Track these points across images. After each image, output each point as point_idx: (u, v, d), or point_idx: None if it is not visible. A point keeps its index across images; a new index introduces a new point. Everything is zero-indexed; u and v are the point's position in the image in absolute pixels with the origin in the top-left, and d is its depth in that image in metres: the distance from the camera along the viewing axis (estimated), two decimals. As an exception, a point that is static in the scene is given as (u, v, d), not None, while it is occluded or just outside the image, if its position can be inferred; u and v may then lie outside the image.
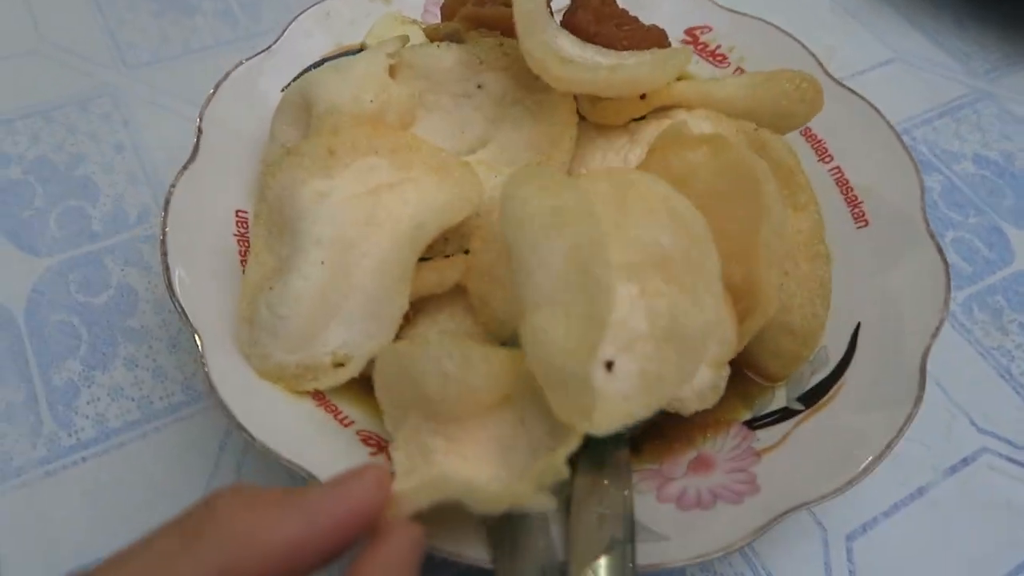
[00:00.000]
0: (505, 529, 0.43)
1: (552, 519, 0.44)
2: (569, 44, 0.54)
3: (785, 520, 0.43)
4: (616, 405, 0.39)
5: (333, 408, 0.49)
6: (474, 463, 0.41)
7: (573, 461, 0.40)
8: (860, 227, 0.58)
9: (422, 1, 0.69)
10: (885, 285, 0.54)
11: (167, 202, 0.51)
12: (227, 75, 0.58)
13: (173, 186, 0.52)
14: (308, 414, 0.48)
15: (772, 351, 0.52)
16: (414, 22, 0.66)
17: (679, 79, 0.55)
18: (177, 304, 0.47)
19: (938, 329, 0.51)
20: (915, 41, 0.86)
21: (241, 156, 0.57)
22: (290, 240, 0.49)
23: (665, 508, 0.47)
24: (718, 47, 0.69)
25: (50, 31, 0.78)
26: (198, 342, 0.46)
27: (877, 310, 0.54)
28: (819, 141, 0.62)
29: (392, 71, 0.54)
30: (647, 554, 0.43)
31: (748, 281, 0.47)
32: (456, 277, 0.50)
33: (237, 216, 0.55)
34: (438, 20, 0.67)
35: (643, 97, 0.53)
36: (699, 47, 0.69)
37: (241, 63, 0.59)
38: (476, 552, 0.42)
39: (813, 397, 0.52)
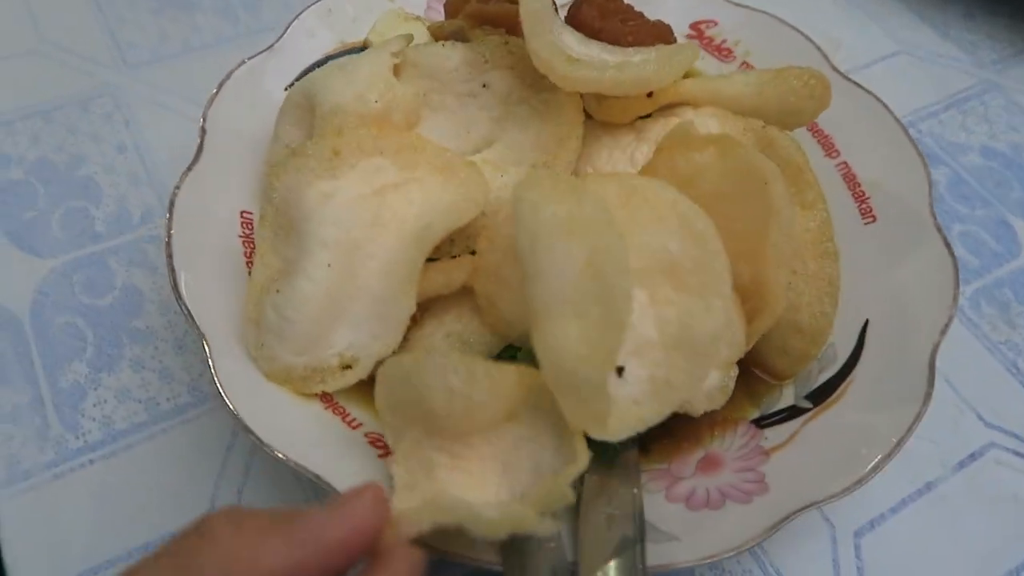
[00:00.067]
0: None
1: (561, 519, 0.44)
2: (574, 41, 0.53)
3: (794, 519, 0.43)
4: (627, 410, 0.39)
5: (341, 410, 0.49)
6: (477, 479, 0.40)
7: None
8: (867, 223, 0.58)
9: (425, -3, 0.69)
10: (893, 282, 0.54)
11: (172, 204, 0.51)
12: (229, 75, 0.58)
13: (177, 188, 0.52)
14: (316, 416, 0.48)
15: (780, 349, 0.51)
16: (417, 19, 0.65)
17: (685, 76, 0.54)
18: (184, 307, 0.47)
19: (947, 326, 0.50)
20: (921, 32, 0.85)
21: (245, 157, 0.57)
22: (296, 242, 0.49)
23: (674, 508, 0.47)
24: (723, 41, 0.68)
25: (50, 31, 0.77)
26: (206, 347, 0.46)
27: (885, 307, 0.53)
28: (826, 136, 0.62)
29: (396, 70, 0.54)
30: (657, 554, 0.43)
31: (756, 281, 0.47)
32: (463, 278, 0.50)
33: (242, 217, 0.55)
34: (441, 16, 0.66)
35: (650, 95, 0.52)
36: (704, 41, 0.68)
37: (243, 62, 0.59)
38: (485, 553, 0.42)
39: (821, 395, 0.52)
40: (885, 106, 0.60)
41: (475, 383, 0.39)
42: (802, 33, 0.66)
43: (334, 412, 0.49)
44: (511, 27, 0.57)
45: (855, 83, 0.62)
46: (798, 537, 0.52)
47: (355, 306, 0.48)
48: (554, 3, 0.53)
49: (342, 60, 0.55)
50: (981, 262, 0.68)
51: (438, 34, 0.59)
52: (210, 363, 0.45)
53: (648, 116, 0.55)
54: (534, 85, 0.53)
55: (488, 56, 0.53)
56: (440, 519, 0.37)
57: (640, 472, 0.47)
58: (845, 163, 0.60)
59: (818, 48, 0.65)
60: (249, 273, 0.52)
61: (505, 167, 0.52)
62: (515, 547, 0.42)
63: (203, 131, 0.54)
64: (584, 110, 0.54)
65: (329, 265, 0.47)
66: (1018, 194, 0.73)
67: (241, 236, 0.54)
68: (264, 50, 0.60)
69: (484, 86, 0.54)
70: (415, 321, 0.49)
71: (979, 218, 0.71)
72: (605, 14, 0.58)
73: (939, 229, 0.54)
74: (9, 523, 0.50)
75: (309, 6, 0.64)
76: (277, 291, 0.47)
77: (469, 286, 0.50)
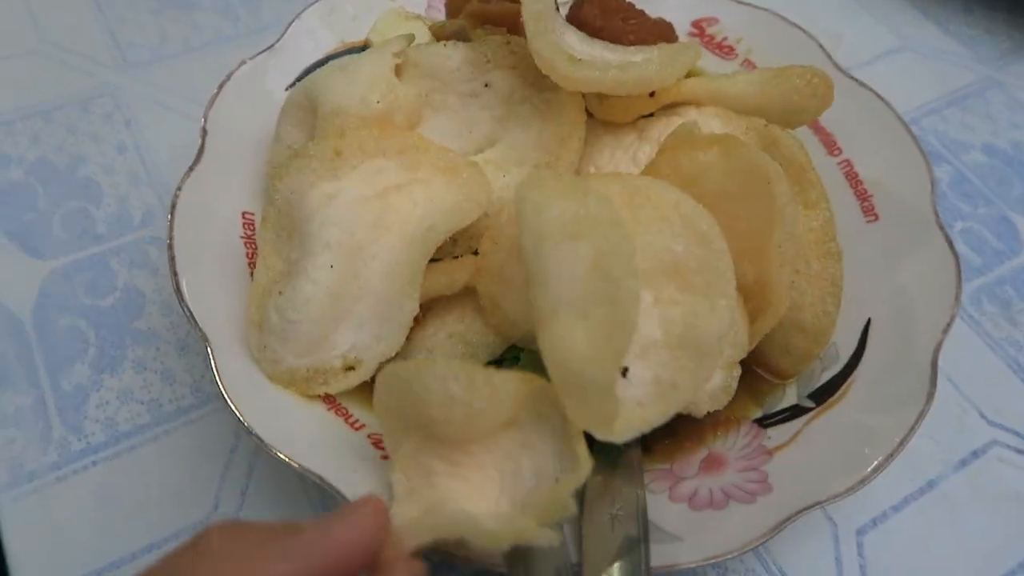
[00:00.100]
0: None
1: (564, 523, 0.44)
2: (576, 40, 0.53)
3: (797, 519, 0.44)
4: (632, 412, 0.39)
5: (344, 412, 0.49)
6: (476, 486, 0.40)
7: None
8: (870, 221, 0.58)
9: (425, -4, 0.69)
10: (896, 281, 0.54)
11: (173, 206, 0.51)
12: (230, 75, 0.58)
13: (179, 189, 0.52)
14: (319, 418, 0.48)
15: (783, 348, 0.52)
16: (418, 17, 0.65)
17: (688, 74, 0.54)
18: (186, 309, 0.47)
19: (949, 325, 0.50)
20: (923, 28, 0.85)
21: (246, 157, 0.56)
22: (298, 243, 0.49)
23: (677, 508, 0.47)
24: (725, 39, 0.68)
25: (50, 30, 0.77)
26: (209, 353, 0.46)
27: (888, 306, 0.53)
28: (828, 134, 0.62)
29: (398, 71, 0.54)
30: (661, 555, 0.43)
31: (759, 281, 0.47)
32: (465, 278, 0.50)
33: (244, 218, 0.55)
34: (442, 16, 0.66)
35: (652, 94, 0.52)
36: (706, 39, 0.68)
37: (244, 62, 0.59)
38: (490, 555, 0.42)
39: (824, 394, 0.52)
40: (887, 104, 0.60)
41: (475, 390, 0.38)
42: (804, 30, 0.66)
43: (337, 413, 0.49)
44: (512, 26, 0.57)
45: (857, 81, 0.62)
46: (801, 535, 0.53)
47: (358, 307, 0.48)
48: (556, 2, 0.53)
49: (343, 60, 0.54)
50: (983, 259, 0.68)
51: (439, 34, 0.59)
52: (213, 366, 0.45)
53: (650, 115, 0.55)
54: (536, 84, 0.53)
55: (490, 56, 0.53)
56: (441, 533, 0.37)
57: (643, 472, 0.47)
58: (847, 161, 0.60)
59: (820, 45, 0.65)
60: (251, 274, 0.52)
61: (507, 167, 0.52)
62: (519, 549, 0.42)
63: (204, 132, 0.54)
64: (586, 109, 0.53)
65: (332, 266, 0.47)
66: (1019, 191, 0.72)
67: (243, 237, 0.54)
68: (265, 50, 0.60)
69: (486, 86, 0.53)
70: (417, 322, 0.49)
71: (981, 216, 0.71)
72: (607, 13, 0.58)
73: (942, 228, 0.54)
74: (12, 525, 0.50)
75: (309, 5, 0.63)
76: (280, 293, 0.47)
77: (472, 287, 0.50)
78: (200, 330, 0.47)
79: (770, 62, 0.65)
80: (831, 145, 0.61)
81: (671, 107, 0.55)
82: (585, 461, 0.38)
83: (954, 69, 0.82)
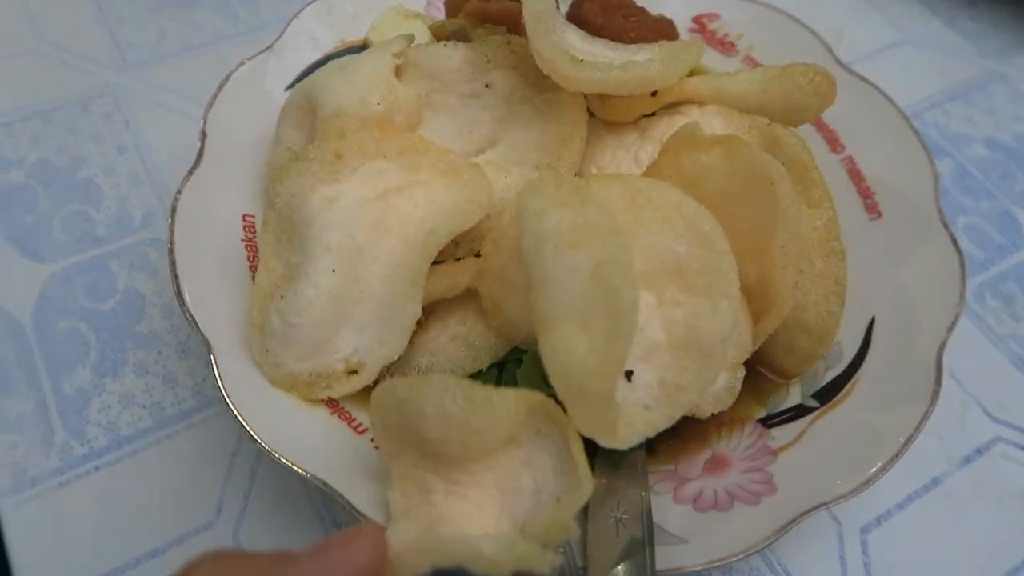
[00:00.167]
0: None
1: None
2: (577, 39, 0.53)
3: (802, 521, 0.43)
4: (637, 416, 0.38)
5: (347, 415, 0.49)
6: (475, 505, 0.39)
7: (589, 464, 0.39)
8: (873, 219, 0.57)
9: (425, -6, 0.68)
10: (899, 279, 0.54)
11: (173, 209, 0.50)
12: (229, 76, 0.57)
13: (179, 192, 0.51)
14: (322, 422, 0.48)
15: (787, 348, 0.51)
16: (417, 16, 0.65)
17: (690, 73, 0.54)
18: (188, 314, 0.47)
19: (954, 324, 0.50)
20: (925, 21, 0.85)
21: (246, 159, 0.56)
22: (299, 247, 0.48)
23: (682, 510, 0.47)
24: (726, 35, 0.68)
25: (48, 30, 0.77)
26: (211, 356, 0.45)
27: (891, 305, 0.53)
28: (830, 131, 0.61)
29: (398, 71, 0.53)
30: (665, 558, 0.43)
31: (762, 282, 0.47)
32: (467, 281, 0.50)
33: (244, 221, 0.54)
34: (441, 13, 0.66)
35: (654, 94, 0.52)
36: (707, 35, 0.68)
37: (243, 63, 0.58)
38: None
39: (828, 394, 0.51)
40: (890, 100, 0.60)
41: (473, 409, 0.37)
42: (805, 26, 0.65)
43: (340, 417, 0.48)
44: (513, 25, 0.57)
45: (860, 77, 0.61)
46: (805, 534, 0.53)
47: (360, 311, 0.48)
48: (556, 1, 0.52)
49: (343, 61, 0.54)
50: (986, 255, 0.68)
51: (439, 34, 0.58)
52: (215, 371, 0.45)
53: (652, 114, 0.55)
54: (537, 84, 0.52)
55: (490, 56, 0.53)
56: (439, 561, 0.36)
57: (647, 474, 0.47)
58: (850, 158, 0.60)
59: (822, 41, 0.64)
60: (252, 277, 0.52)
61: (508, 168, 0.51)
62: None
63: (203, 134, 0.54)
64: (587, 109, 0.53)
65: (333, 270, 0.47)
66: (1022, 185, 0.72)
67: (244, 240, 0.54)
68: (263, 50, 0.60)
69: (487, 86, 0.53)
70: (420, 325, 0.49)
71: (984, 210, 0.70)
72: (607, 10, 0.58)
73: (946, 226, 0.54)
74: (15, 531, 0.50)
75: (308, 4, 0.63)
76: (281, 297, 0.47)
77: (474, 289, 0.50)
78: (203, 336, 0.46)
79: (772, 58, 0.65)
80: (834, 142, 0.61)
81: (673, 106, 0.54)
82: (586, 481, 0.37)
83: (956, 62, 0.81)
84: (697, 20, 0.68)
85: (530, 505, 0.38)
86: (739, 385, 0.47)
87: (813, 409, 0.51)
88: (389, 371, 0.50)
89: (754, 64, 0.66)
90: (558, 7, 0.55)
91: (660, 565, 0.42)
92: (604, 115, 0.54)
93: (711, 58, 0.67)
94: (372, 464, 0.46)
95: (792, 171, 0.49)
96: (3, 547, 0.50)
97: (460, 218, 0.47)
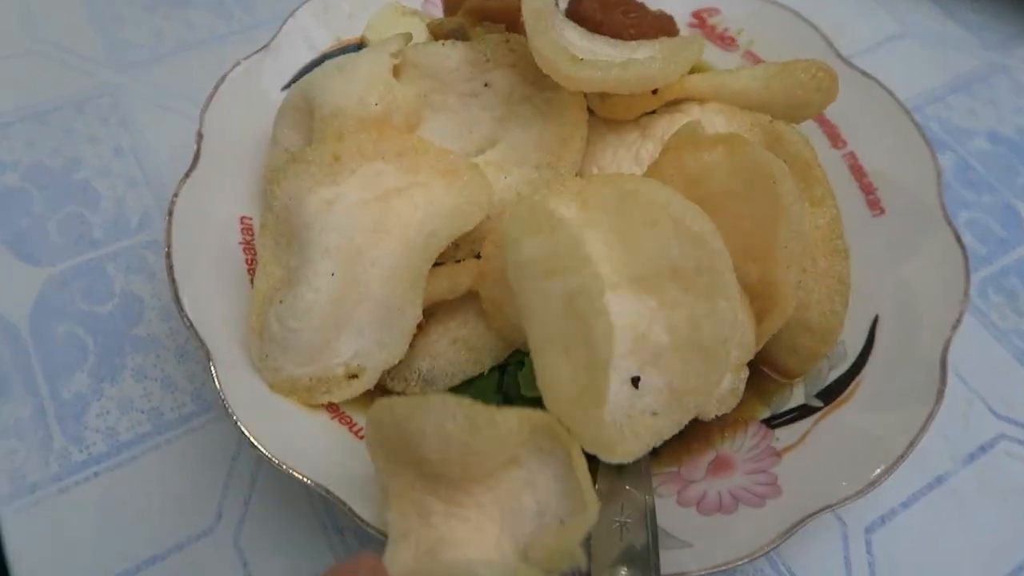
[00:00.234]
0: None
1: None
2: (576, 36, 0.52)
3: (807, 523, 0.43)
4: (643, 424, 0.38)
5: (348, 420, 0.48)
6: (475, 527, 0.38)
7: (592, 468, 0.39)
8: (876, 215, 0.57)
9: (422, -9, 0.67)
10: (903, 276, 0.54)
11: (170, 213, 0.50)
12: (224, 77, 0.56)
13: (175, 196, 0.51)
14: (323, 427, 0.48)
15: (790, 348, 0.51)
16: (414, 13, 0.64)
17: (691, 69, 0.53)
18: (186, 320, 0.47)
19: (958, 322, 0.50)
20: (925, 14, 0.84)
21: (243, 160, 0.56)
22: (298, 250, 0.48)
23: (686, 512, 0.46)
24: (726, 30, 0.67)
25: (43, 30, 0.76)
26: (211, 363, 0.45)
27: (895, 303, 0.53)
28: (832, 126, 0.61)
29: (396, 71, 0.53)
30: (670, 562, 0.43)
31: (765, 281, 0.46)
32: (468, 283, 0.49)
33: (242, 223, 0.54)
34: (438, 10, 0.65)
35: (655, 91, 0.51)
36: (707, 30, 0.67)
37: (239, 63, 0.57)
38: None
39: (832, 393, 0.51)
40: (891, 94, 0.59)
41: (475, 430, 0.35)
42: (805, 20, 0.65)
43: (340, 422, 0.48)
44: (512, 23, 0.56)
45: (861, 71, 0.61)
46: (810, 535, 0.52)
47: (360, 314, 0.47)
48: (556, -1, 0.52)
49: (340, 60, 0.53)
50: (988, 249, 0.67)
51: (438, 32, 0.57)
52: (214, 377, 0.45)
53: (653, 112, 0.54)
54: (537, 83, 0.52)
55: (489, 54, 0.52)
56: None
57: (651, 476, 0.47)
58: (852, 154, 0.59)
59: (822, 35, 0.64)
60: (251, 280, 0.52)
61: (509, 168, 0.51)
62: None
63: (200, 136, 0.53)
64: (588, 107, 0.53)
65: (332, 274, 0.46)
66: (1025, 179, 0.72)
67: (242, 243, 0.53)
68: (259, 50, 0.59)
69: (486, 85, 0.52)
70: (419, 327, 0.48)
71: (986, 204, 0.70)
72: (606, 7, 0.57)
73: (949, 223, 0.53)
74: (15, 538, 0.50)
75: (303, 2, 0.62)
76: (280, 301, 0.47)
77: (474, 291, 0.49)
78: (202, 342, 0.46)
79: (772, 52, 0.64)
80: (835, 138, 0.60)
81: (674, 103, 0.54)
82: (592, 503, 0.36)
83: (957, 55, 0.81)
84: (697, 15, 0.68)
85: (532, 527, 0.37)
86: (743, 386, 0.47)
87: (817, 409, 0.51)
88: (390, 375, 0.49)
89: (755, 59, 0.66)
90: (557, 4, 0.54)
91: (664, 570, 0.42)
92: (604, 113, 0.53)
93: (711, 53, 0.66)
94: (373, 469, 0.46)
95: (795, 169, 0.49)
96: (3, 554, 0.50)
97: (460, 220, 0.47)
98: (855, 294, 0.53)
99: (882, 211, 0.57)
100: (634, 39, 0.55)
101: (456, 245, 0.50)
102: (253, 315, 0.48)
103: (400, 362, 0.48)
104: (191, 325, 0.46)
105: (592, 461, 0.39)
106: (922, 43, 0.81)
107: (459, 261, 0.50)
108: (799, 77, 0.52)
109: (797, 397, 0.52)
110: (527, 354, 0.49)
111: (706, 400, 0.42)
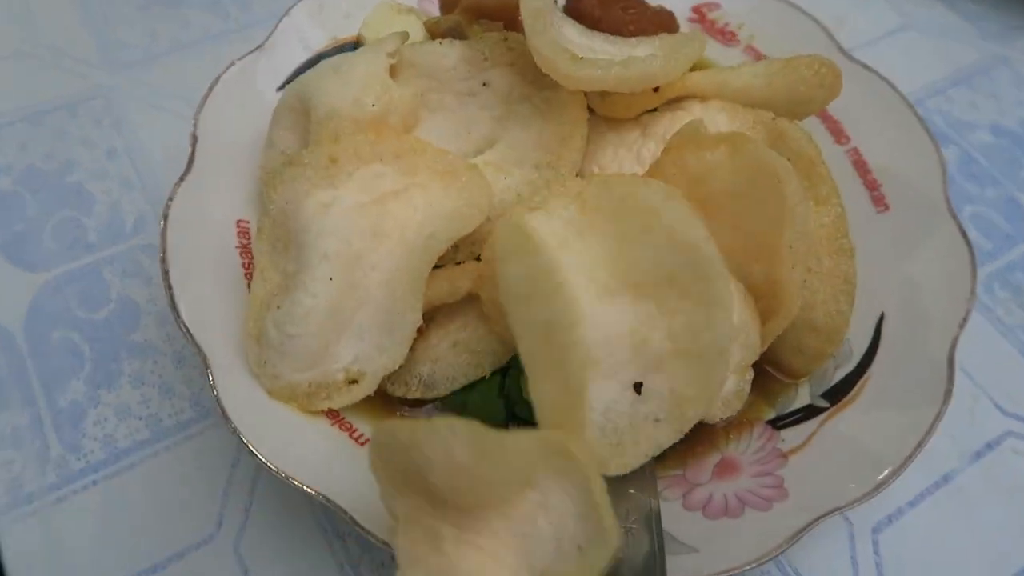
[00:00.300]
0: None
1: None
2: (575, 33, 0.52)
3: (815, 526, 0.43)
4: (644, 432, 0.37)
5: (348, 426, 0.48)
6: (490, 555, 0.35)
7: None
8: (880, 212, 0.56)
9: (417, -12, 0.67)
10: (909, 274, 0.53)
11: (165, 217, 0.49)
12: (219, 78, 0.56)
13: (171, 200, 0.50)
14: (323, 433, 0.47)
15: (795, 348, 0.50)
16: (411, 11, 0.63)
17: (692, 66, 0.52)
18: (183, 326, 0.46)
19: (965, 319, 0.49)
20: (927, 6, 0.83)
21: (238, 162, 0.55)
22: (295, 255, 0.47)
23: (692, 516, 0.46)
24: (726, 25, 0.66)
25: (35, 30, 0.75)
26: (208, 370, 0.44)
27: (901, 300, 0.52)
28: (835, 122, 0.60)
29: (393, 71, 0.52)
30: (676, 567, 0.42)
31: (769, 281, 0.46)
32: (468, 285, 0.48)
33: (238, 227, 0.53)
34: (434, 9, 0.64)
35: (656, 89, 0.51)
36: (707, 25, 0.66)
37: (233, 64, 0.57)
38: None
39: (838, 393, 0.51)
40: (894, 88, 0.59)
41: (486, 458, 0.33)
42: (806, 13, 0.64)
43: (341, 428, 0.47)
44: (510, 20, 0.55)
45: (863, 65, 0.60)
46: (816, 535, 0.51)
47: (359, 318, 0.47)
48: (554, -5, 0.51)
49: (336, 60, 0.53)
50: (993, 244, 0.67)
51: (434, 31, 0.57)
52: (212, 385, 0.44)
53: (654, 110, 0.53)
54: (536, 82, 0.51)
55: (487, 53, 0.51)
56: None
57: (656, 480, 0.46)
58: (856, 150, 0.59)
59: (823, 29, 0.63)
60: (248, 285, 0.51)
61: (508, 168, 0.50)
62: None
63: (194, 138, 0.53)
64: (587, 106, 0.52)
65: (330, 278, 0.45)
66: (1029, 172, 0.71)
67: (238, 247, 0.52)
68: (254, 50, 0.58)
69: (484, 84, 0.52)
70: (420, 331, 0.48)
71: (989, 198, 0.69)
72: (605, 3, 0.56)
73: (955, 218, 0.53)
74: (13, 548, 0.49)
75: (299, 1, 0.61)
76: (278, 307, 0.46)
77: (475, 293, 0.49)
78: (199, 348, 0.45)
79: (773, 47, 0.64)
80: (839, 133, 0.60)
81: (675, 101, 0.53)
82: (612, 529, 0.34)
83: (959, 47, 0.80)
84: (696, 10, 0.67)
85: (549, 551, 0.36)
86: (748, 388, 0.46)
87: (823, 409, 0.50)
88: (390, 380, 0.49)
89: (756, 54, 0.65)
90: (555, 1, 0.53)
91: (671, 575, 0.41)
92: (605, 112, 0.52)
93: (712, 49, 0.66)
94: (379, 492, 0.45)
95: (799, 167, 0.48)
96: (1, 565, 0.49)
97: (460, 222, 0.46)
98: (860, 292, 0.52)
99: (886, 207, 0.56)
100: (634, 35, 0.54)
101: (456, 247, 0.49)
102: (250, 321, 0.48)
103: (401, 367, 0.47)
104: (188, 331, 0.46)
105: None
106: (924, 36, 0.81)
107: (459, 263, 0.50)
108: (802, 73, 0.51)
109: (802, 397, 0.52)
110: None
111: (710, 405, 0.42)
